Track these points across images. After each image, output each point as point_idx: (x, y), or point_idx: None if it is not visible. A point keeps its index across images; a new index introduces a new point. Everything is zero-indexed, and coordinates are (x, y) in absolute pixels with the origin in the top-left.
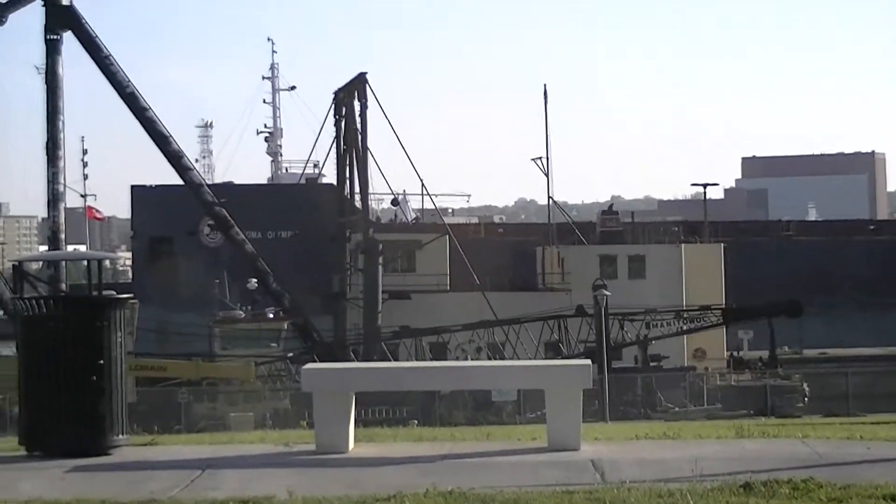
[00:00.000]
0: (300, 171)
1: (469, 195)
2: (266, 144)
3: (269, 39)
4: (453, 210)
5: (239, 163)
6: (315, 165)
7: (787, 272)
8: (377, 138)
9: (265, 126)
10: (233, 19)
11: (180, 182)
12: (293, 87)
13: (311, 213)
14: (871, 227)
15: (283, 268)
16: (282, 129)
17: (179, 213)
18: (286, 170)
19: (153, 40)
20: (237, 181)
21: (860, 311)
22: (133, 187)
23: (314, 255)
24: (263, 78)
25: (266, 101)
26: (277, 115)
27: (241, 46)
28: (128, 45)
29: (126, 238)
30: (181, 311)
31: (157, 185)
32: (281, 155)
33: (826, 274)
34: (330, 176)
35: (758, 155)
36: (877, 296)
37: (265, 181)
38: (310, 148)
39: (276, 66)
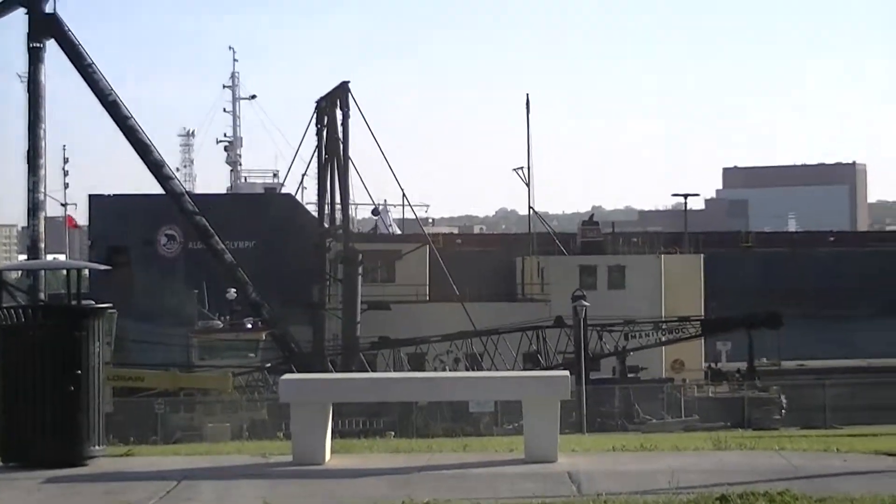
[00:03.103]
0: (259, 181)
1: (428, 205)
2: (226, 154)
3: (230, 48)
4: (433, 220)
5: (199, 172)
6: (274, 175)
7: (745, 283)
8: (358, 148)
9: (224, 135)
10: (207, 33)
11: (137, 192)
12: (253, 97)
13: (270, 223)
14: (831, 238)
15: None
16: (241, 139)
17: (137, 223)
18: (245, 179)
19: (135, 55)
20: (197, 191)
21: (814, 322)
22: (91, 196)
23: (274, 265)
24: (224, 87)
25: (226, 110)
26: (237, 124)
27: (209, 60)
28: (109, 58)
29: None
30: (137, 320)
31: (114, 195)
32: (240, 164)
33: (782, 285)
34: (301, 186)
35: (739, 165)
36: (831, 308)
37: (224, 191)
38: (269, 157)
39: (236, 74)
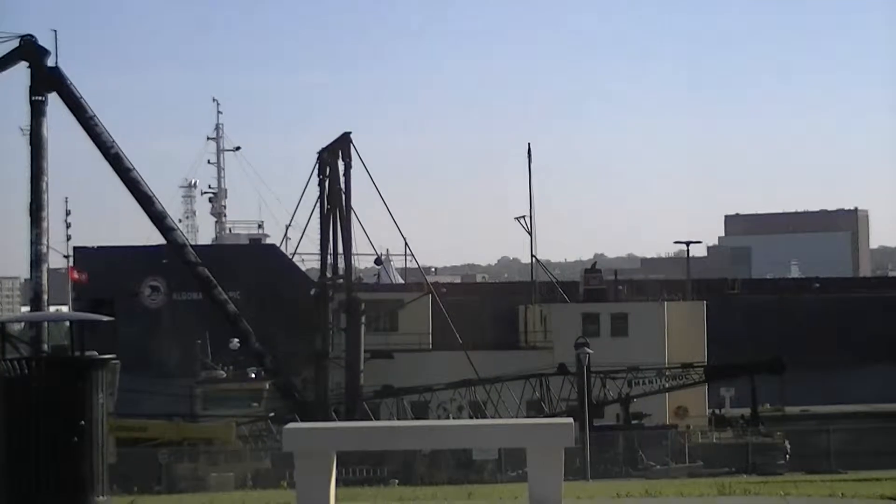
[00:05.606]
0: (244, 232)
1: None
2: (210, 205)
3: (213, 100)
4: (436, 269)
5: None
6: (259, 226)
7: (731, 331)
8: (360, 199)
9: (209, 187)
10: (201, 87)
11: (122, 244)
12: (238, 148)
13: (254, 274)
14: (817, 285)
15: (228, 328)
16: (226, 190)
17: (121, 275)
18: (230, 230)
19: (134, 109)
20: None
21: (799, 368)
22: (75, 248)
23: (258, 316)
24: (208, 138)
25: (211, 161)
26: (222, 175)
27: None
28: (113, 111)
29: None
30: (123, 371)
31: (98, 247)
32: (225, 216)
33: (768, 332)
34: (286, 237)
35: (741, 212)
36: (815, 354)
37: (209, 242)
38: (253, 208)
39: (220, 126)
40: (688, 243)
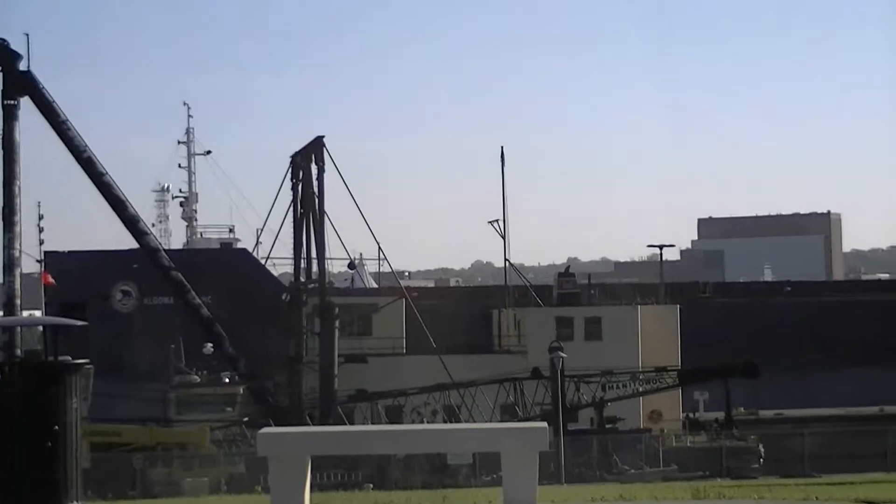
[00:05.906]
0: (215, 236)
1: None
2: (181, 209)
3: (184, 104)
4: (410, 273)
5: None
6: (230, 230)
7: (702, 334)
8: (333, 203)
9: (180, 191)
10: (174, 90)
11: (93, 248)
12: (209, 152)
13: (225, 278)
14: (788, 288)
15: (199, 333)
16: (197, 194)
17: (92, 279)
18: (201, 235)
19: (108, 112)
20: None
21: (769, 372)
22: (46, 253)
23: (229, 320)
24: (179, 143)
25: (181, 165)
26: (193, 179)
27: (178, 117)
28: (84, 114)
29: None
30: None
31: (70, 252)
32: (196, 220)
33: (740, 336)
34: (259, 241)
35: (714, 216)
36: (786, 358)
37: (181, 246)
38: (224, 212)
39: (191, 130)
40: (661, 247)
